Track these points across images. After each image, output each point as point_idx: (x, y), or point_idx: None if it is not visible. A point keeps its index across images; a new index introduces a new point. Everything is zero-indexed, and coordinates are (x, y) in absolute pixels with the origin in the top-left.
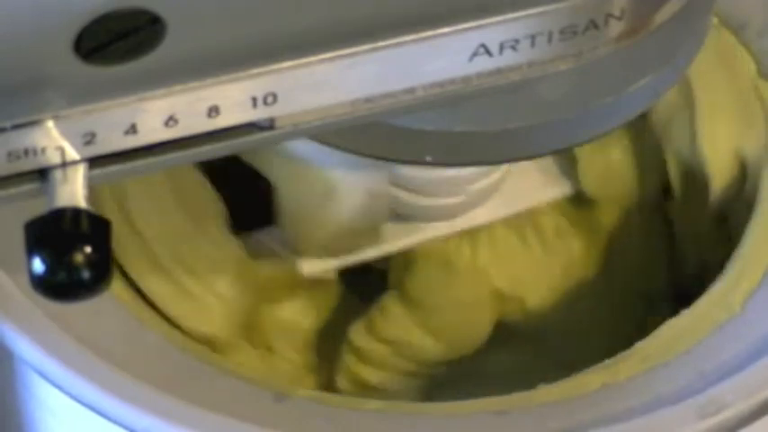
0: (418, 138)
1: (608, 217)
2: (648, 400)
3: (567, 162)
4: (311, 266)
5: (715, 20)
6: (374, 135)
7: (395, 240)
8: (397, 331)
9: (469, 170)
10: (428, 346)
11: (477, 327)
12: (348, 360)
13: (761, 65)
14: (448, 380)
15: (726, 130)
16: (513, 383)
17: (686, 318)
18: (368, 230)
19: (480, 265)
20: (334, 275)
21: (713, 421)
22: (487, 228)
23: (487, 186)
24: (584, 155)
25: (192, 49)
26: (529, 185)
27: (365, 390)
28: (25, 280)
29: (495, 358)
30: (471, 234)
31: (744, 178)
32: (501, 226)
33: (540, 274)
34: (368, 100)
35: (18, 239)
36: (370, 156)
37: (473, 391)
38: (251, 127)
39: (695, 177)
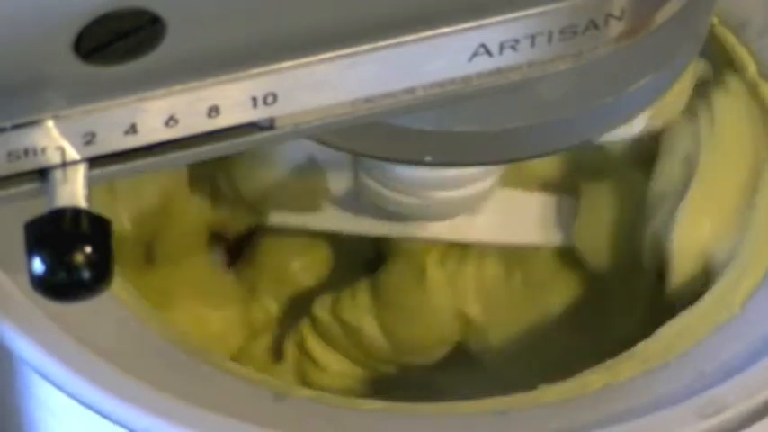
0: (418, 138)
1: (596, 275)
2: (649, 400)
3: (568, 212)
4: (277, 218)
5: (715, 19)
6: (374, 135)
7: (374, 228)
8: (355, 316)
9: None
10: (377, 341)
11: (432, 340)
12: (303, 325)
13: (761, 65)
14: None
15: (700, 232)
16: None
17: (686, 318)
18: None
19: (458, 285)
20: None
21: (713, 422)
22: (479, 253)
23: (478, 192)
24: (584, 213)
25: (192, 49)
26: (529, 223)
27: (307, 362)
28: (25, 280)
29: (446, 379)
30: (461, 252)
31: (706, 280)
32: (493, 255)
33: (514, 312)
34: (368, 100)
35: (18, 239)
36: (369, 156)
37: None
38: (251, 127)
39: (662, 262)
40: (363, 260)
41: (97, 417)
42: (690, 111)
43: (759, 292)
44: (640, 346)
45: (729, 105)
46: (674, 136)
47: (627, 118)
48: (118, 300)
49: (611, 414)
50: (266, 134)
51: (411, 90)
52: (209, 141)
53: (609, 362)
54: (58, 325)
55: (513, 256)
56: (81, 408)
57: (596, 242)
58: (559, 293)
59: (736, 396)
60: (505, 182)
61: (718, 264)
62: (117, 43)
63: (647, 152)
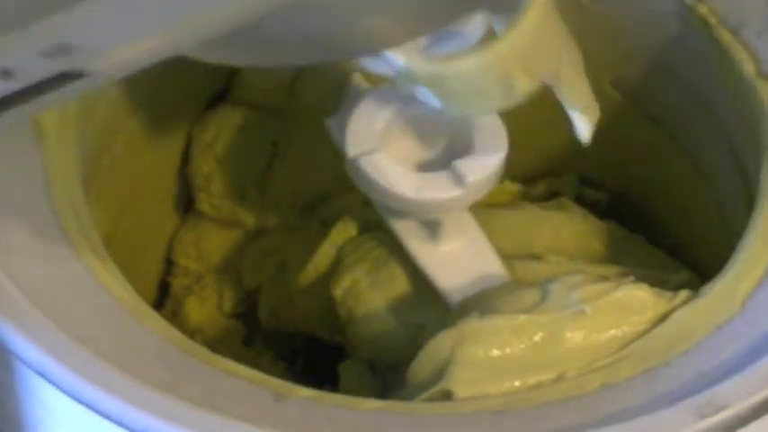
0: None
1: None
2: (648, 400)
3: None
4: None
5: (714, 20)
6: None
7: None
8: None
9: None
10: None
11: None
12: None
13: (760, 65)
14: None
15: None
16: None
17: (686, 317)
18: None
19: None
20: None
21: (713, 421)
22: None
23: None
24: None
25: None
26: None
27: None
28: (25, 280)
29: None
30: None
31: None
32: None
33: None
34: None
35: (18, 239)
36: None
37: None
38: (63, 78)
39: None
40: None
41: (97, 417)
42: None
43: (759, 291)
44: (639, 344)
45: None
46: None
47: None
48: (118, 300)
49: (610, 414)
50: (84, 81)
51: None
52: (12, 103)
53: (607, 361)
54: (57, 325)
55: None
56: (81, 408)
57: None
58: None
59: (736, 395)
60: None
61: None
62: None
63: None
